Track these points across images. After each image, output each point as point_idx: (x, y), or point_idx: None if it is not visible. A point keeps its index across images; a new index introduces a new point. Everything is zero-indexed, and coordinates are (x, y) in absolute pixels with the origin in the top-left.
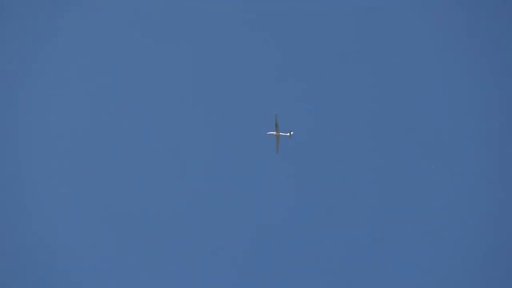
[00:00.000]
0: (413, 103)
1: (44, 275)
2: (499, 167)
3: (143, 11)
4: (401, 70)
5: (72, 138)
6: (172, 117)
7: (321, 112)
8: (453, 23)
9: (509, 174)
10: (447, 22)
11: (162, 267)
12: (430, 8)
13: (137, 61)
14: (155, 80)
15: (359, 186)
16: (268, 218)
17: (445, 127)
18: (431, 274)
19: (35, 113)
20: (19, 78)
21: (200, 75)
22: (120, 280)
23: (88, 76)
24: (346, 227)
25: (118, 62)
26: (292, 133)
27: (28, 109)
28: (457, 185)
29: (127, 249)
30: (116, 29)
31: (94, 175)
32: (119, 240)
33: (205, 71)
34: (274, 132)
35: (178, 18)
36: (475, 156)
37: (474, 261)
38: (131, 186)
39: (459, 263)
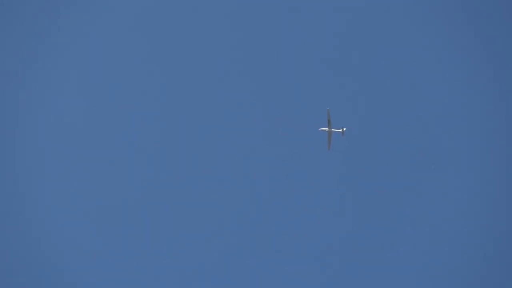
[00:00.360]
0: (412, 104)
1: (42, 275)
2: (499, 168)
3: (143, 11)
4: (400, 71)
5: (72, 138)
6: (173, 117)
7: (322, 113)
8: (452, 23)
9: (509, 175)
10: (446, 23)
11: (162, 266)
12: (430, 9)
13: (137, 61)
14: (156, 80)
15: (359, 187)
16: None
17: (445, 128)
18: (431, 276)
19: (35, 113)
20: (19, 78)
21: (201, 75)
22: (119, 280)
23: (88, 76)
24: (346, 228)
25: (118, 62)
26: (344, 129)
27: (28, 109)
28: (458, 186)
29: (126, 248)
30: (116, 29)
31: (94, 174)
32: (118, 240)
33: (206, 70)
34: (326, 128)
35: (178, 18)
36: (475, 157)
37: (474, 262)
38: (131, 186)
39: (460, 265)
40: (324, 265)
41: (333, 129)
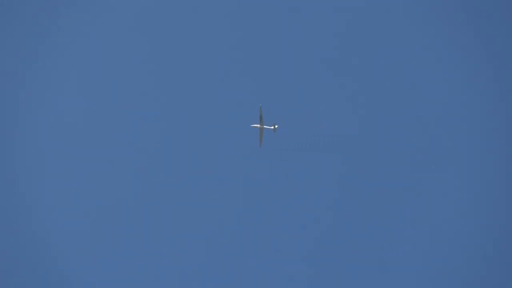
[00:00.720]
0: (412, 104)
1: (42, 275)
2: (499, 168)
3: (143, 11)
4: (400, 71)
5: (72, 138)
6: (173, 117)
7: (321, 113)
8: (452, 23)
9: (509, 175)
10: (446, 23)
11: (162, 266)
12: (430, 9)
13: (137, 61)
14: (156, 80)
15: (359, 186)
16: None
17: (445, 128)
18: (431, 276)
19: (35, 113)
20: (19, 78)
21: (201, 75)
22: (119, 280)
23: (88, 76)
24: (346, 228)
25: (118, 62)
26: (276, 126)
27: (28, 109)
28: (458, 186)
29: (126, 248)
30: (116, 29)
31: (94, 174)
32: (117, 240)
33: (206, 70)
34: (258, 125)
35: (178, 18)
36: (475, 157)
37: (474, 262)
38: (130, 186)
39: (460, 265)
40: (324, 265)
41: (265, 126)
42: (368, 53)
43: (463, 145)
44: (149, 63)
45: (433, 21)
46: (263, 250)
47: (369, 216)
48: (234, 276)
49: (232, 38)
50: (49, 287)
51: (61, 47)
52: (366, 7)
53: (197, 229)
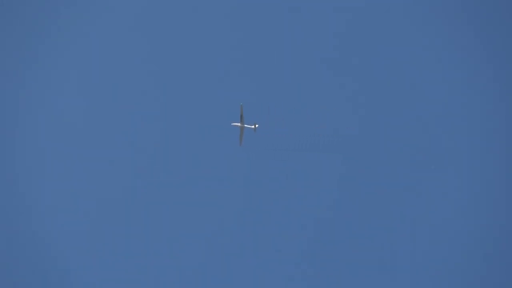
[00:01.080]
0: (412, 104)
1: (42, 274)
2: (499, 168)
3: (143, 11)
4: (400, 71)
5: (72, 138)
6: (173, 116)
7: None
8: (452, 23)
9: (509, 175)
10: (446, 23)
11: (162, 266)
12: (430, 9)
13: (137, 61)
14: (156, 80)
15: (359, 187)
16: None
17: (445, 128)
18: (431, 276)
19: (35, 113)
20: (19, 78)
21: (201, 75)
22: (119, 280)
23: (88, 76)
24: (346, 228)
25: (118, 62)
26: (257, 125)
27: (28, 109)
28: (458, 186)
29: (126, 248)
30: (116, 29)
31: (94, 174)
32: (117, 240)
33: (206, 70)
34: (239, 124)
35: (178, 18)
36: (475, 157)
37: (474, 262)
38: (130, 186)
39: (460, 265)
40: (324, 265)
41: (245, 125)
42: (368, 53)
43: (463, 145)
44: (148, 63)
45: (433, 21)
46: (263, 250)
47: (369, 216)
48: (234, 276)
49: (232, 38)
50: (49, 287)
51: (61, 47)
52: (366, 7)
53: (197, 229)
